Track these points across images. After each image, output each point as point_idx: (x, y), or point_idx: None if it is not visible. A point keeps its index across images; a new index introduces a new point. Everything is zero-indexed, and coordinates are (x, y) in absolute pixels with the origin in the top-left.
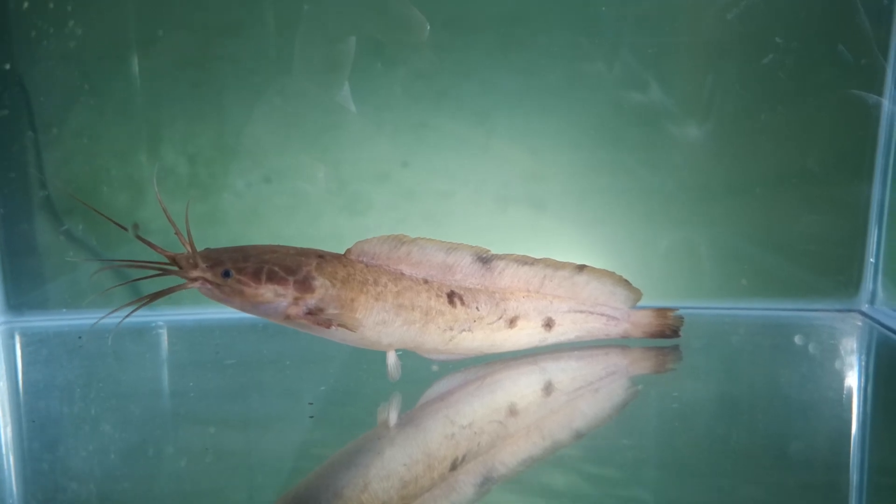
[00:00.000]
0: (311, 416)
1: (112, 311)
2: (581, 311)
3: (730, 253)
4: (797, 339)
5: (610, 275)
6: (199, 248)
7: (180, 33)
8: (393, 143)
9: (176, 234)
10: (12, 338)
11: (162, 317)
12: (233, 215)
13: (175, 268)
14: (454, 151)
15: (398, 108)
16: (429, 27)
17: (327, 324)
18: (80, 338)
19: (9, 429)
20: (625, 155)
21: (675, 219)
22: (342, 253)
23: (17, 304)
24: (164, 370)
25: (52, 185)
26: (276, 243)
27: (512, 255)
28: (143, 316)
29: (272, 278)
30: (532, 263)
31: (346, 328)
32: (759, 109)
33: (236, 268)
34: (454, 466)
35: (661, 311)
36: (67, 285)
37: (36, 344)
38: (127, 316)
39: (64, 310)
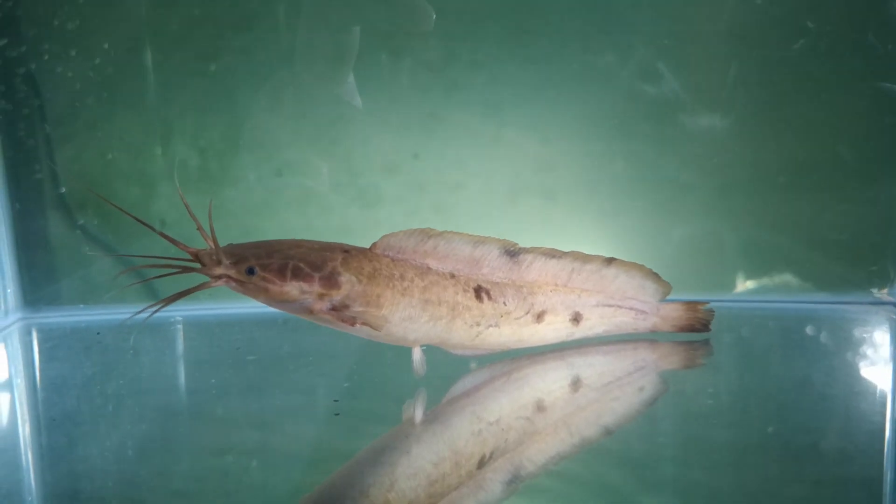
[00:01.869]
0: (337, 414)
1: (137, 313)
2: (609, 305)
3: (751, 244)
4: (828, 333)
5: (639, 268)
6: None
7: (192, 26)
8: (403, 135)
9: (198, 229)
10: (29, 334)
11: (179, 312)
12: (243, 208)
13: (198, 265)
14: (465, 143)
15: (408, 100)
16: (435, 16)
17: (351, 321)
18: (98, 334)
19: (27, 426)
20: (639, 145)
21: (692, 209)
22: (367, 247)
23: (34, 300)
24: (184, 367)
25: (66, 181)
26: (287, 236)
27: (540, 248)
28: (160, 311)
29: (297, 275)
30: (560, 257)
31: (371, 327)
32: (785, 97)
33: (260, 264)
34: (482, 464)
35: (692, 305)
36: (84, 281)
37: (53, 340)
38: (150, 316)
39: (81, 305)
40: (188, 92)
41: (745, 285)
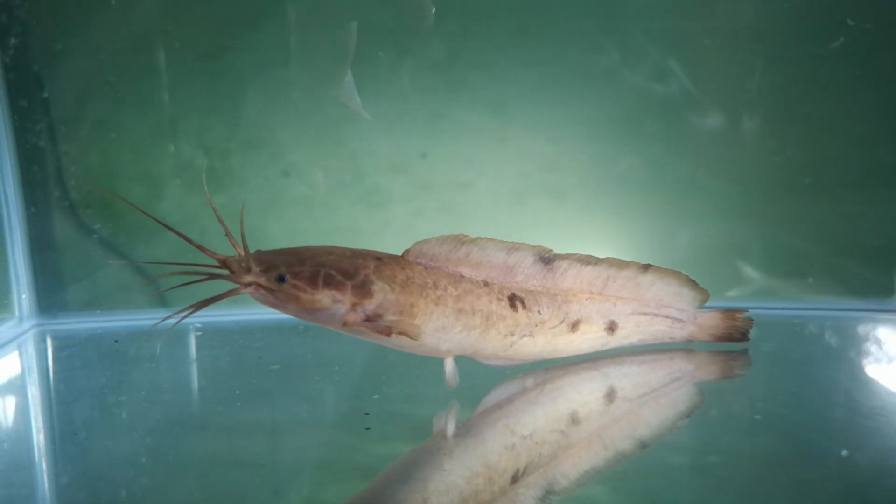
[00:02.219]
0: (368, 428)
1: (161, 321)
2: (645, 314)
3: (771, 247)
4: (867, 343)
5: (676, 275)
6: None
7: (199, 26)
8: (410, 135)
9: (226, 235)
10: (44, 342)
11: (199, 318)
12: (249, 209)
13: (226, 272)
14: (472, 142)
15: (414, 100)
16: (434, 10)
17: (387, 331)
18: (116, 342)
19: (42, 439)
20: (649, 145)
21: (706, 211)
22: (399, 255)
23: (48, 306)
24: (206, 377)
25: (82, 184)
26: (293, 237)
27: (574, 254)
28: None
29: (329, 283)
30: (595, 263)
31: (408, 336)
32: (811, 95)
33: (291, 272)
34: (515, 479)
35: (730, 313)
36: (99, 286)
37: (69, 348)
38: (176, 324)
39: (97, 311)
40: (194, 92)
41: (764, 290)
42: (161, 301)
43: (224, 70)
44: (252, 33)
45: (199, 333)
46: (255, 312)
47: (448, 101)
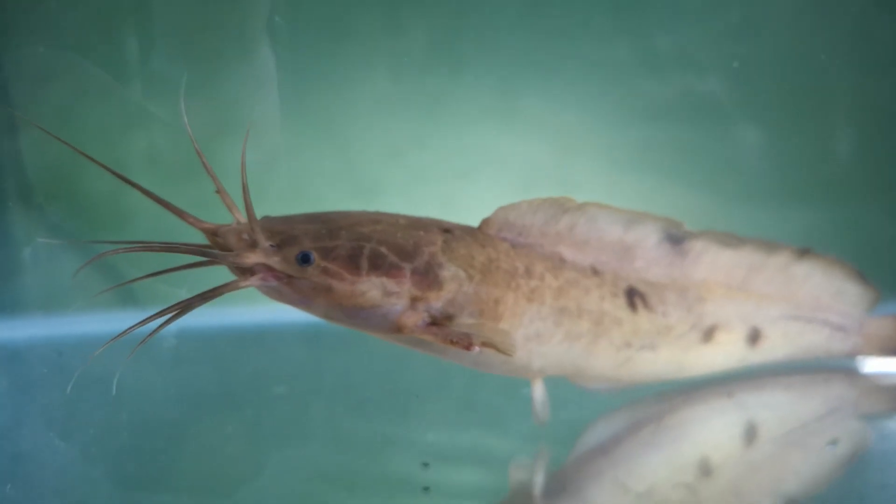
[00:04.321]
0: (427, 488)
1: (130, 329)
2: (797, 318)
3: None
4: None
5: (839, 265)
6: None
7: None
8: (406, 120)
9: (218, 192)
10: None
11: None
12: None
13: (218, 250)
14: (474, 127)
15: (412, 80)
16: None
17: (467, 343)
18: (59, 355)
19: None
20: (678, 129)
21: (745, 204)
22: (475, 226)
23: None
24: (185, 406)
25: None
26: None
27: (710, 231)
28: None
29: (377, 265)
30: (736, 246)
31: (498, 350)
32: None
33: (320, 248)
34: None
35: None
36: (43, 281)
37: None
38: (148, 337)
39: (40, 313)
40: (165, 71)
41: None
42: (129, 298)
43: (200, 48)
44: (231, 5)
45: (175, 341)
46: (245, 312)
47: (448, 81)
